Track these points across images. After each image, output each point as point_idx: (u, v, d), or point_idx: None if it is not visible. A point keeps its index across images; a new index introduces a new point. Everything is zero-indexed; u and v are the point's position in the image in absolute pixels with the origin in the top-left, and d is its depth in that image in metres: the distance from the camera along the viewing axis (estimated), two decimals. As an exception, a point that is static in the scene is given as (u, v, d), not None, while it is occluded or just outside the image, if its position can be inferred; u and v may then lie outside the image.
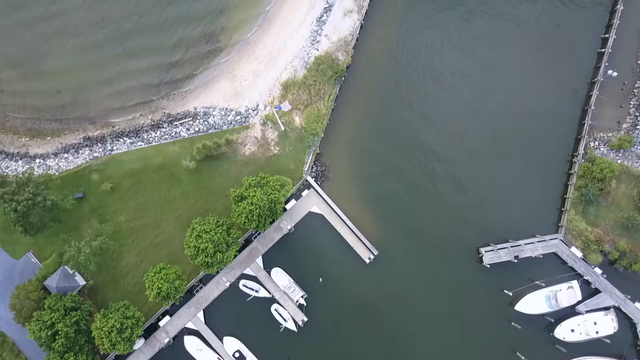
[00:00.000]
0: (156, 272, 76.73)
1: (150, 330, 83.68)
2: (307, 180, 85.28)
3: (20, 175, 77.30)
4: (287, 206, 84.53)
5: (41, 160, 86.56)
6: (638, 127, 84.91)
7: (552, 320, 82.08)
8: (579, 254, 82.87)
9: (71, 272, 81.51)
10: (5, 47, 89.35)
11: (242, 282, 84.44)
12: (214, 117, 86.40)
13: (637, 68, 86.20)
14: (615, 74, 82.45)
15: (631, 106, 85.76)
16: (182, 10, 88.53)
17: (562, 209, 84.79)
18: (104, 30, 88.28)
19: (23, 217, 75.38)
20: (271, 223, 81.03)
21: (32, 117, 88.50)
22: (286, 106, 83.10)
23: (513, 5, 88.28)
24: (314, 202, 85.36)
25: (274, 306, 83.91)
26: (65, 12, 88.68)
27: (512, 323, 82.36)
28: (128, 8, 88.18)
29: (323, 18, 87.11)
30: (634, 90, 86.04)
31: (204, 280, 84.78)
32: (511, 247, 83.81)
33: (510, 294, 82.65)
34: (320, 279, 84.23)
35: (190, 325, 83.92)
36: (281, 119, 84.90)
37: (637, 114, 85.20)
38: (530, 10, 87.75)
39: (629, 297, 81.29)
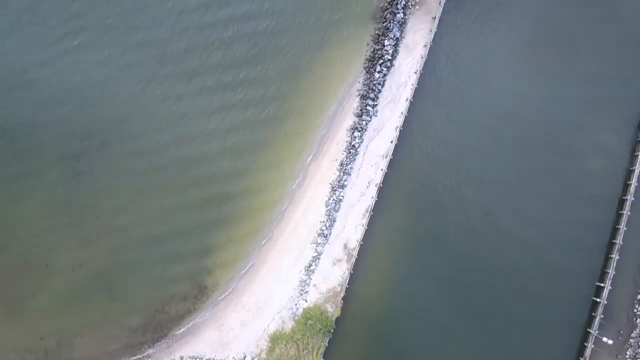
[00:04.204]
0: None
1: None
2: None
3: None
4: None
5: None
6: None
7: None
8: None
9: None
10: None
11: None
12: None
13: (633, 317, 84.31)
14: (610, 341, 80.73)
15: (627, 357, 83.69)
16: (165, 252, 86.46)
17: None
18: (84, 271, 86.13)
19: None
20: None
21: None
22: None
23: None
24: None
25: None
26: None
27: None
28: (110, 254, 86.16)
29: (312, 267, 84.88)
30: (630, 341, 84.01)
31: None
32: None
33: None
34: None
35: None
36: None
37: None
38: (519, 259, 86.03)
39: None
